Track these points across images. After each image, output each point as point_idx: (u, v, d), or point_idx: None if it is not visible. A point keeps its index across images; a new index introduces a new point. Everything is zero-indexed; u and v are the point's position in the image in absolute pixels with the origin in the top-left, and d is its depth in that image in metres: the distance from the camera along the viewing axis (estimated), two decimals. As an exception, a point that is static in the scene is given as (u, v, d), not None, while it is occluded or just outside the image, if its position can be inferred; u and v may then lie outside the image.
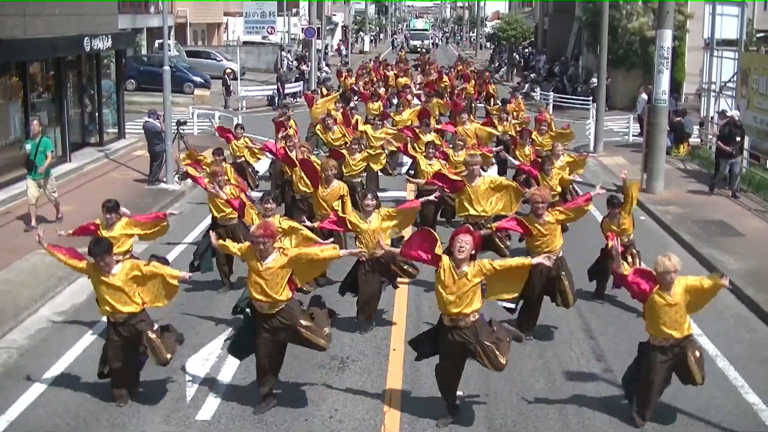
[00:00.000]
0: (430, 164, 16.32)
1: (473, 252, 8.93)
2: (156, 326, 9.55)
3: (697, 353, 9.27)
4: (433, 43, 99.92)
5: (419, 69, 46.68)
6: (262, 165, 21.26)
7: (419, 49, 78.84)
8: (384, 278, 12.16)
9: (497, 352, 8.93)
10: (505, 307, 11.63)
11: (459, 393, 9.99)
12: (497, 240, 13.35)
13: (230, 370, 10.67)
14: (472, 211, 13.51)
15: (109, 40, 24.31)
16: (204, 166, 15.71)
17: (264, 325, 9.30)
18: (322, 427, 9.19)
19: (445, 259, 8.96)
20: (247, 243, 9.52)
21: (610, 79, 37.10)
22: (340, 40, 78.68)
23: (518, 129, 21.11)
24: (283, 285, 9.22)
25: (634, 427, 9.35)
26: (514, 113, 24.74)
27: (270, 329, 9.30)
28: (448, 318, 8.99)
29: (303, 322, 9.30)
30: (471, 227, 9.41)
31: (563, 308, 12.01)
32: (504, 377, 10.35)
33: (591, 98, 34.97)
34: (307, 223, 12.40)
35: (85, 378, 10.26)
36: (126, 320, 9.36)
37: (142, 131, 22.43)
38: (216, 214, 13.56)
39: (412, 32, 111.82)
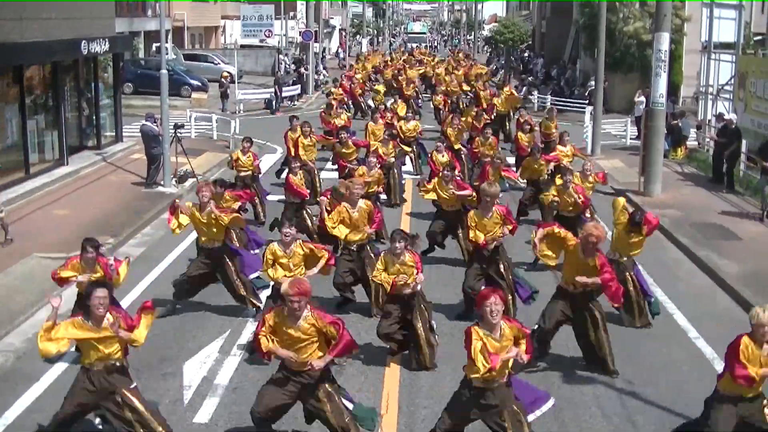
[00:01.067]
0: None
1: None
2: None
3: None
4: (430, 47, 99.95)
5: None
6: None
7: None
8: None
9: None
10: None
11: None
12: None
13: (227, 373, 10.66)
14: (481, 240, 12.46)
15: (107, 43, 24.29)
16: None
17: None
18: (319, 430, 9.16)
19: (477, 331, 7.91)
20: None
21: (608, 82, 37.19)
22: (339, 44, 78.73)
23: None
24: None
25: (630, 427, 9.35)
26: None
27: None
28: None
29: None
30: (495, 288, 8.92)
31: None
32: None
33: (587, 101, 35.04)
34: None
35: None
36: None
37: (140, 134, 22.43)
38: (201, 237, 12.89)
39: (409, 35, 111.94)
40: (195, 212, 12.56)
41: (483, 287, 9.11)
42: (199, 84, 42.53)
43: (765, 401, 8.29)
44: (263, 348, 8.22)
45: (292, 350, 8.18)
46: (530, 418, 8.19)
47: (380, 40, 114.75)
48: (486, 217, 12.50)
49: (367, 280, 12.62)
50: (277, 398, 8.44)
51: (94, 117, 25.47)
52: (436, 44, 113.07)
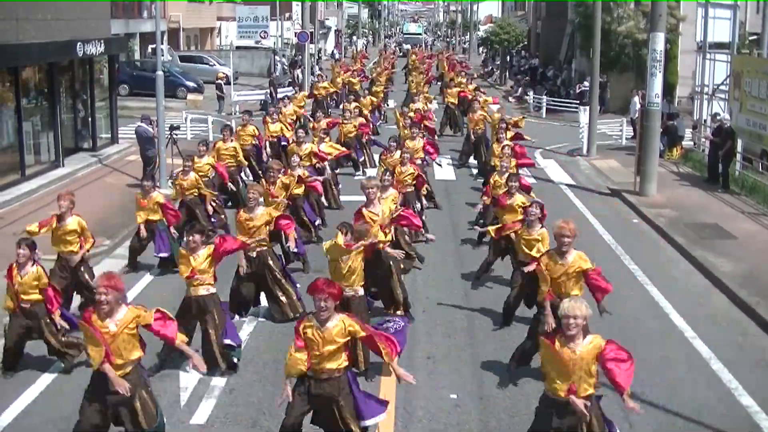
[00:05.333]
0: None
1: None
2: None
3: None
4: (426, 46, 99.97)
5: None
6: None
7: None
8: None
9: None
10: None
11: (453, 396, 10.01)
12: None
13: (224, 375, 10.64)
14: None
15: (102, 45, 24.28)
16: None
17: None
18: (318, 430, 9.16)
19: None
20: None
21: (609, 81, 37.21)
22: (335, 45, 78.74)
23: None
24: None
25: (627, 427, 9.36)
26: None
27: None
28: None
29: None
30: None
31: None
32: (497, 381, 10.37)
33: (579, 101, 35.13)
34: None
35: (79, 384, 10.21)
36: None
37: (135, 136, 22.42)
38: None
39: (405, 36, 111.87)
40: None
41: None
42: (195, 85, 42.48)
43: None
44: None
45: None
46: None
47: (376, 41, 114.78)
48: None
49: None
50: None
51: (89, 119, 25.45)
52: (431, 44, 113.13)
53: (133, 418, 8.04)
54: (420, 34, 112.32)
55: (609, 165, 25.96)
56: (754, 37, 34.21)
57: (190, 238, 10.47)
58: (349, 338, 8.00)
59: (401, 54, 78.94)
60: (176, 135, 22.75)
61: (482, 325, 12.43)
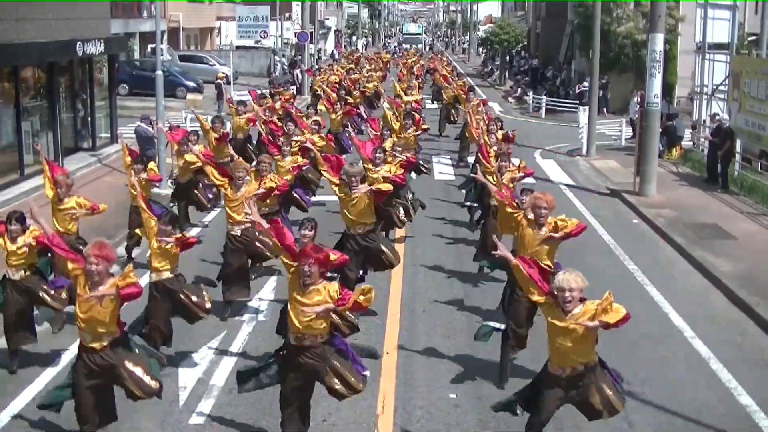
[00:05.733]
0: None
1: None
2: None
3: None
4: (426, 47, 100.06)
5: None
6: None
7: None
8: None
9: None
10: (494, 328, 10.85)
11: (452, 396, 10.02)
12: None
13: (223, 374, 10.66)
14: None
15: (102, 44, 24.26)
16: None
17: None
18: (314, 431, 9.16)
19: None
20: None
21: (610, 82, 37.20)
22: (335, 45, 78.75)
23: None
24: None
25: (626, 427, 9.37)
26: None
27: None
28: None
29: None
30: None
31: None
32: (496, 380, 10.38)
33: (578, 102, 35.17)
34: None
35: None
36: None
37: (134, 136, 22.42)
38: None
39: (405, 36, 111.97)
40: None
41: None
42: (195, 85, 42.46)
43: None
44: None
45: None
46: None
47: (375, 41, 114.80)
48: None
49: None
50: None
51: (89, 118, 25.44)
52: (431, 45, 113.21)
53: (126, 389, 8.41)
54: (420, 34, 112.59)
55: (608, 165, 25.97)
56: (753, 37, 34.27)
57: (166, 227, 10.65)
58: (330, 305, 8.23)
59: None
60: (176, 135, 22.71)
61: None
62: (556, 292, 7.77)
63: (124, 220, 15.91)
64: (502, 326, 10.55)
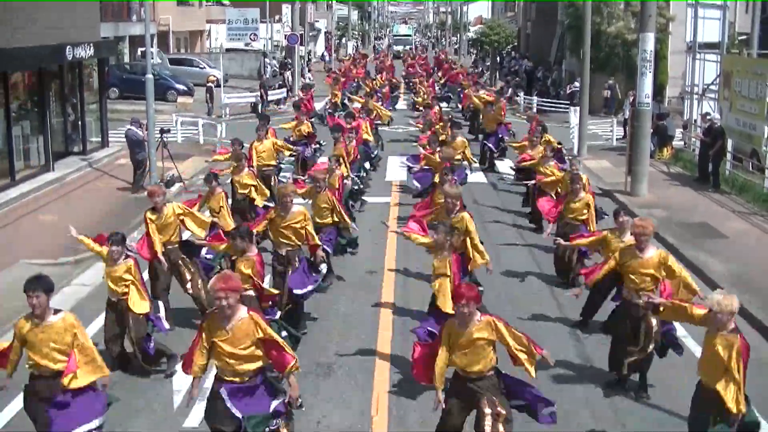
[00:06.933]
0: None
1: None
2: None
3: None
4: (416, 48, 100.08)
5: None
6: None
7: (401, 55, 79.28)
8: None
9: None
10: None
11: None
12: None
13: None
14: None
15: (91, 48, 24.21)
16: None
17: None
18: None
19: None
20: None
21: (616, 83, 37.14)
22: (325, 47, 78.70)
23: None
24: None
25: (620, 426, 9.38)
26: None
27: None
28: None
29: None
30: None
31: (542, 308, 12.16)
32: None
33: (569, 102, 35.23)
34: None
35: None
36: None
37: (125, 140, 22.39)
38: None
39: (395, 38, 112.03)
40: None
41: None
42: (185, 88, 42.44)
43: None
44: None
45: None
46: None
47: (366, 42, 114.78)
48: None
49: None
50: None
51: (79, 122, 25.38)
52: (422, 46, 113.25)
53: None
54: (410, 35, 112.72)
55: (600, 165, 26.00)
56: (744, 37, 34.34)
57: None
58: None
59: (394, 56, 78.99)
60: (166, 138, 22.72)
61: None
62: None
63: (115, 225, 15.87)
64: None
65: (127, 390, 10.19)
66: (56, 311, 8.13)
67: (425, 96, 34.51)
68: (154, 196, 12.47)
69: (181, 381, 10.51)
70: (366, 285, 14.40)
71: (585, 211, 14.17)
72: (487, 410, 7.84)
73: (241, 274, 9.95)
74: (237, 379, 7.79)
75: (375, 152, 23.29)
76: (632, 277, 10.17)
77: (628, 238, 10.94)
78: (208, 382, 10.41)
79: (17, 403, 9.82)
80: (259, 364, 7.81)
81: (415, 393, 10.20)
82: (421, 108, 31.14)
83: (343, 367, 11.02)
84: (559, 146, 19.79)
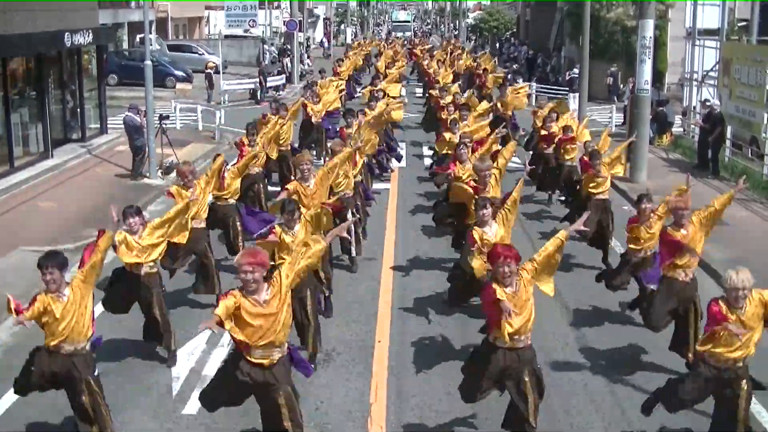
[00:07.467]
0: None
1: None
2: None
3: None
4: (415, 34, 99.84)
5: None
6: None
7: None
8: None
9: None
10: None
11: (445, 384, 10.02)
12: None
13: (215, 364, 10.62)
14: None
15: (90, 35, 24.13)
16: None
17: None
18: (308, 419, 9.14)
19: None
20: None
21: (619, 71, 37.02)
22: (324, 34, 78.56)
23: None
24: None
25: (621, 421, 9.40)
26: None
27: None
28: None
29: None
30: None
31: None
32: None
33: (568, 88, 35.18)
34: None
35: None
36: None
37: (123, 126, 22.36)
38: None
39: (394, 24, 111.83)
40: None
41: None
42: (184, 75, 42.38)
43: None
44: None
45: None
46: None
47: (365, 29, 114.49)
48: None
49: None
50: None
51: (78, 109, 25.34)
52: (423, 33, 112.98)
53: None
54: (409, 21, 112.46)
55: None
56: (744, 23, 34.27)
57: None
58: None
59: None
60: (165, 125, 22.70)
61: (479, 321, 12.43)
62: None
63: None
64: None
65: (125, 377, 10.22)
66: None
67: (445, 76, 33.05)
68: (186, 176, 12.17)
69: (179, 368, 10.54)
70: (365, 272, 14.41)
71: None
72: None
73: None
74: None
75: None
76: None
77: (657, 226, 11.06)
78: (208, 369, 10.50)
79: (7, 399, 9.85)
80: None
81: (414, 379, 10.22)
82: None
83: (342, 353, 11.04)
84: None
